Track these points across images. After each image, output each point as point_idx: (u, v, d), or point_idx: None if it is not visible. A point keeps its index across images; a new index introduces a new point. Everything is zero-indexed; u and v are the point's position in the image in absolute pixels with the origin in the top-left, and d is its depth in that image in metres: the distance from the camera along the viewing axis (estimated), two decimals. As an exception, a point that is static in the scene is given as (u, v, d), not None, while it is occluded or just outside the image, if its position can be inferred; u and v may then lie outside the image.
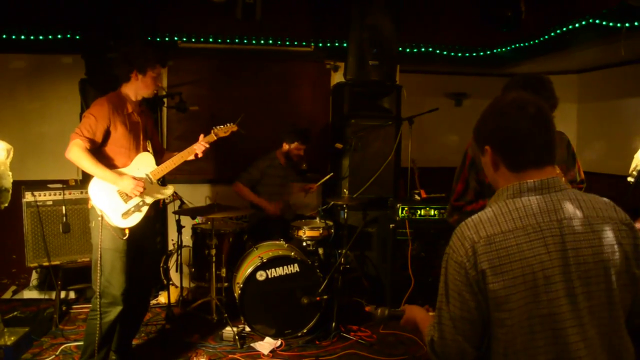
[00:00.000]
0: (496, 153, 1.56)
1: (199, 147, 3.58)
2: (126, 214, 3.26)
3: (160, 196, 3.48)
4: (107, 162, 3.25)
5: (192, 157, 3.60)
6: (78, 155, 3.11)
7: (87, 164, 3.12)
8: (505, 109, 1.55)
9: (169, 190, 3.57)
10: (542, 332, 1.41)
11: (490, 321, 1.46)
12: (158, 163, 3.49)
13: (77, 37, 5.04)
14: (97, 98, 3.37)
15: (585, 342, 1.42)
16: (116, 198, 3.26)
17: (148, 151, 3.47)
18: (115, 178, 3.20)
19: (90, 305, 3.41)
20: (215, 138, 3.70)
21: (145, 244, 3.50)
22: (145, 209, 3.34)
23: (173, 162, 3.50)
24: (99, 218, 3.21)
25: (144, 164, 3.42)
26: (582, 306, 1.42)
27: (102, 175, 3.18)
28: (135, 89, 3.37)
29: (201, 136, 3.64)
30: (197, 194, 5.47)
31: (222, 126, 3.77)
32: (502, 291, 1.41)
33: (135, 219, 3.30)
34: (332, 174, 5.15)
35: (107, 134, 3.24)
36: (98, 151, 3.24)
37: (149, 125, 3.56)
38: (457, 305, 1.49)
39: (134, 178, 3.25)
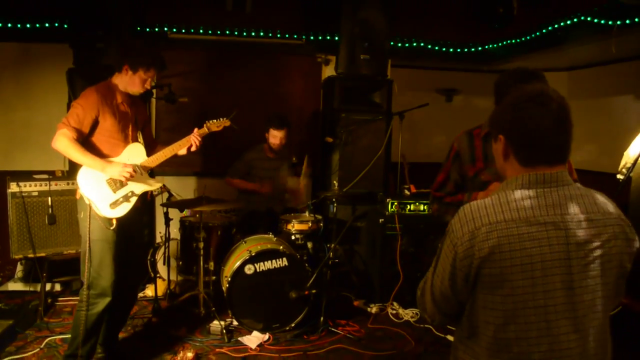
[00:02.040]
0: (509, 145, 1.56)
1: (194, 139, 3.55)
2: (114, 204, 3.23)
3: (148, 188, 3.45)
4: (97, 153, 3.22)
5: (183, 152, 3.58)
6: (65, 144, 3.07)
7: (74, 153, 3.09)
8: (527, 103, 1.52)
9: (158, 182, 3.56)
10: (536, 323, 1.44)
11: (478, 303, 1.50)
12: (149, 155, 3.46)
13: (65, 26, 4.97)
14: (86, 88, 3.34)
15: (576, 334, 1.45)
16: (105, 187, 3.23)
17: (139, 142, 3.44)
18: (103, 165, 3.18)
19: (78, 297, 3.37)
20: (208, 132, 3.69)
21: (133, 235, 3.47)
22: (134, 199, 3.32)
23: (164, 154, 3.48)
24: (88, 209, 3.18)
25: (135, 155, 3.39)
26: (577, 299, 1.45)
27: (90, 163, 3.15)
28: (124, 83, 3.33)
29: (195, 129, 3.62)
30: (185, 187, 5.44)
31: (215, 120, 3.75)
32: (499, 277, 1.45)
33: (124, 209, 3.27)
34: (306, 157, 5.07)
35: (95, 124, 3.22)
36: (87, 142, 3.22)
37: (140, 117, 3.53)
38: (439, 277, 1.59)
39: (123, 164, 3.23)
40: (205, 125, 3.70)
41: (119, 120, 3.30)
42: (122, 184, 3.27)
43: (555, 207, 1.48)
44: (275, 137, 4.95)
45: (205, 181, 5.33)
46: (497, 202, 1.50)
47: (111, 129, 3.27)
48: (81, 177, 3.20)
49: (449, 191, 2.67)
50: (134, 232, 3.47)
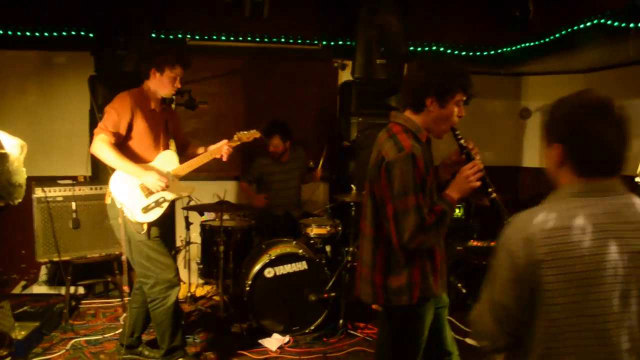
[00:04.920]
0: (567, 156, 1.53)
1: (225, 150, 3.60)
2: (146, 209, 3.30)
3: (180, 194, 3.52)
4: (130, 157, 3.28)
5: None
6: (104, 150, 3.14)
7: (113, 158, 3.15)
8: (589, 114, 1.49)
9: (190, 189, 3.61)
10: (593, 332, 1.42)
11: (536, 314, 1.46)
12: (182, 155, 3.54)
13: (86, 34, 5.06)
14: (107, 95, 3.41)
15: (633, 344, 1.43)
16: (137, 192, 3.30)
17: (171, 149, 3.52)
18: (140, 172, 3.24)
19: (102, 300, 3.44)
20: (239, 142, 3.75)
21: (163, 240, 3.53)
22: (165, 205, 3.38)
23: (196, 161, 3.54)
24: (121, 213, 3.26)
25: (167, 162, 3.46)
26: (633, 309, 1.44)
27: (128, 169, 3.22)
28: (155, 87, 3.40)
29: (225, 140, 3.65)
30: (204, 191, 5.49)
31: (245, 132, 3.81)
32: (555, 284, 1.42)
33: (155, 214, 3.34)
34: (324, 152, 5.15)
35: (129, 129, 3.28)
36: (121, 146, 3.27)
37: (172, 122, 3.60)
38: (499, 289, 1.52)
39: (159, 173, 3.29)
40: (236, 136, 3.75)
41: (151, 126, 3.36)
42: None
43: (611, 215, 1.45)
44: (271, 145, 5.01)
45: (223, 185, 5.38)
46: (552, 210, 1.48)
47: (144, 134, 3.33)
48: (114, 181, 3.27)
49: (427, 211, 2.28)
50: (163, 238, 3.52)
